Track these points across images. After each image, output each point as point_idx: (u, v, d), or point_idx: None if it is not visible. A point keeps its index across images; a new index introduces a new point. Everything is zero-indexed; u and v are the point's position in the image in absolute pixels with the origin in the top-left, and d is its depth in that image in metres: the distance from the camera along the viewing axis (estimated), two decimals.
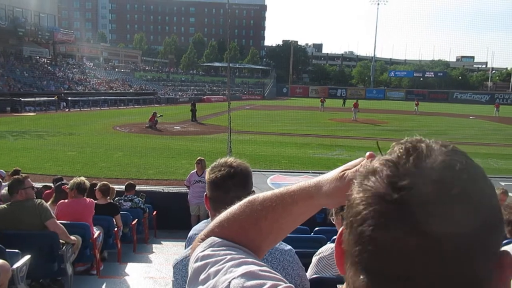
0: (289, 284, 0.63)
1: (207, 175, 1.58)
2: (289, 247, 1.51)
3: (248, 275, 0.64)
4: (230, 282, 0.64)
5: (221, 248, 0.74)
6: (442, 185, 0.46)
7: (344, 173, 0.71)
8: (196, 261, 0.73)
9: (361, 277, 0.49)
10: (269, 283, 0.62)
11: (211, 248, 0.75)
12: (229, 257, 0.71)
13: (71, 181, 5.33)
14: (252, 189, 1.55)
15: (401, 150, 0.50)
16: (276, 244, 0.89)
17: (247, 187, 1.49)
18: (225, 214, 0.83)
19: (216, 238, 0.78)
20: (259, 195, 0.82)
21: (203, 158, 8.38)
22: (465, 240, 0.45)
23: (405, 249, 0.45)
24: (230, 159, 1.55)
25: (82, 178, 5.33)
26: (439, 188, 0.46)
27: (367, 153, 0.67)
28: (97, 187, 6.07)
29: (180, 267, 1.46)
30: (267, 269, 0.67)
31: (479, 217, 0.46)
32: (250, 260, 0.70)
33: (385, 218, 0.47)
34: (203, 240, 0.80)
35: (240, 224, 0.80)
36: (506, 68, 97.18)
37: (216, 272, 0.68)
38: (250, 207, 0.81)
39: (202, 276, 0.69)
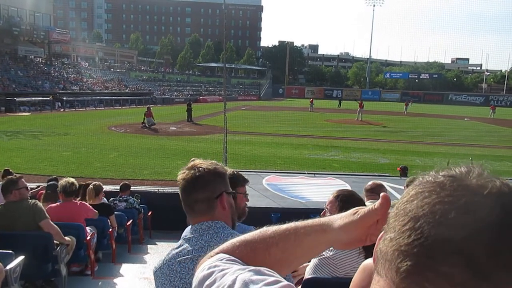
0: (289, 283, 0.66)
1: None
2: None
3: (254, 271, 0.69)
4: (237, 276, 0.68)
5: (228, 261, 0.78)
6: (463, 190, 0.51)
7: (358, 211, 0.79)
8: (202, 271, 0.76)
9: (395, 246, 0.51)
10: (273, 278, 0.66)
11: (218, 261, 0.78)
12: (235, 266, 0.74)
13: (59, 183, 5.21)
14: (222, 190, 1.52)
15: (463, 167, 0.56)
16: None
17: (208, 189, 1.50)
18: (239, 237, 0.87)
19: (225, 255, 0.81)
20: (276, 226, 0.87)
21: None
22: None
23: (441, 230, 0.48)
24: (198, 162, 1.55)
25: (69, 180, 5.09)
26: (483, 186, 0.51)
27: (382, 194, 0.77)
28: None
29: (159, 274, 1.46)
30: (272, 271, 0.72)
31: (468, 229, 0.48)
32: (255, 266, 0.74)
33: (427, 192, 0.52)
34: (211, 256, 0.83)
35: (251, 247, 0.83)
36: (501, 70, 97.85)
37: (222, 275, 0.71)
38: (264, 233, 0.85)
39: (207, 282, 0.72)
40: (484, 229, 0.47)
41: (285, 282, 0.66)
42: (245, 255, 0.81)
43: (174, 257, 1.44)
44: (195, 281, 0.76)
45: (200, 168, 1.51)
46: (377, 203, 0.77)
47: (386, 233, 0.55)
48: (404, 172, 9.78)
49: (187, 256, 1.42)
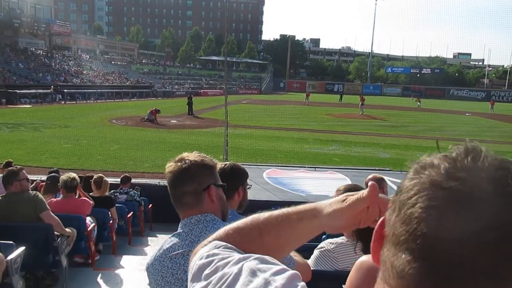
0: (296, 272, 0.66)
1: None
2: None
3: (260, 259, 0.68)
4: (242, 265, 0.67)
5: (226, 249, 0.77)
6: (498, 182, 0.47)
7: (346, 198, 0.81)
8: (200, 259, 0.75)
9: (403, 256, 0.49)
10: (279, 266, 0.66)
11: (216, 249, 0.77)
12: (236, 254, 0.74)
13: (61, 178, 5.19)
14: (210, 182, 1.49)
15: (460, 149, 0.52)
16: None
17: (195, 181, 1.47)
18: (232, 224, 0.87)
19: (221, 242, 0.80)
20: (266, 212, 0.87)
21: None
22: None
23: (451, 235, 0.46)
24: (185, 154, 1.52)
25: (71, 175, 5.05)
26: (495, 185, 0.47)
27: (370, 183, 0.79)
28: (92, 179, 6.05)
29: (152, 270, 1.45)
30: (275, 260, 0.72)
31: None
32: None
33: (437, 203, 0.47)
34: (205, 245, 0.82)
35: (244, 234, 0.83)
36: (503, 66, 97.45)
37: (225, 264, 0.70)
38: (256, 220, 0.85)
39: (206, 271, 0.71)
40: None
41: (292, 271, 0.65)
42: (239, 242, 0.80)
43: (165, 253, 1.43)
44: (193, 268, 0.74)
45: (187, 160, 1.48)
46: (366, 191, 0.79)
47: (387, 240, 0.53)
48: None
49: (178, 252, 1.40)
